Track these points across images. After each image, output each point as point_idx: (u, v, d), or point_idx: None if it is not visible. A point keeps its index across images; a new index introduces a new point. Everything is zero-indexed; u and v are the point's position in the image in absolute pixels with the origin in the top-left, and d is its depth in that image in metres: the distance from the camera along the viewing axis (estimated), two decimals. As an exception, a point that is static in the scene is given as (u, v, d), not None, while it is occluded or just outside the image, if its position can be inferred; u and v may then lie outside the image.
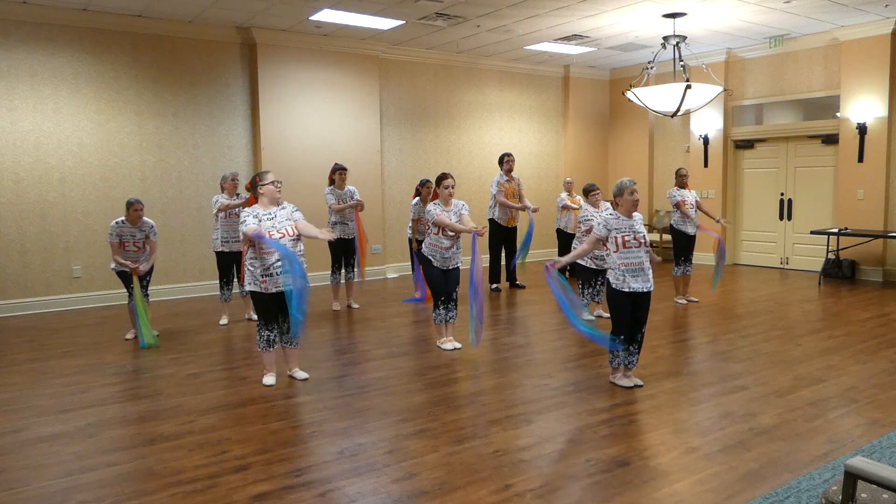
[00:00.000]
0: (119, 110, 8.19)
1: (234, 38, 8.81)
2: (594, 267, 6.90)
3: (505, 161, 8.50)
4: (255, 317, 7.11)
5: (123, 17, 8.00)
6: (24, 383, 5.12)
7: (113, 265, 6.19)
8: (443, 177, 5.78)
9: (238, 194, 6.93)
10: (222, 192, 6.98)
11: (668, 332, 6.59)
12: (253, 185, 4.93)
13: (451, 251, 5.75)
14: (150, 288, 6.54)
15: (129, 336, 6.44)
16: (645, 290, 4.64)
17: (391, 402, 4.59)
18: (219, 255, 7.00)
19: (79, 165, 7.98)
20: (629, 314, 4.66)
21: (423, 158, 10.64)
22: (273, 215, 4.80)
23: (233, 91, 8.93)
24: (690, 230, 7.74)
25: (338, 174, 7.50)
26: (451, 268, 5.81)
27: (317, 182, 9.30)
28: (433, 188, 7.21)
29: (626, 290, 4.60)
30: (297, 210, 4.96)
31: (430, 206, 5.72)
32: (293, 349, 5.07)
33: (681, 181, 7.78)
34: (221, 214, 6.84)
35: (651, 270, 4.70)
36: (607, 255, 4.74)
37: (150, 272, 6.44)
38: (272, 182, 4.83)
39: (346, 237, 7.57)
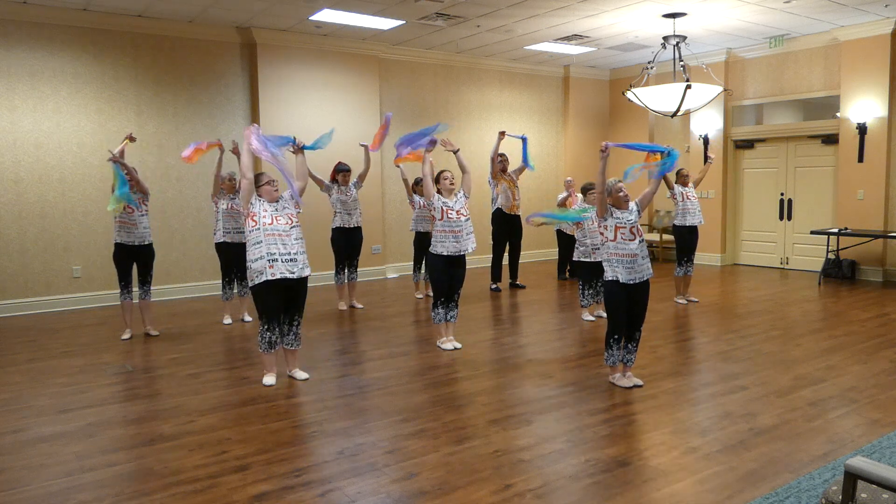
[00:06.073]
0: (119, 110, 8.19)
1: (234, 38, 8.81)
2: (589, 260, 6.85)
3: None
4: (248, 318, 7.11)
5: (123, 17, 8.00)
6: (24, 383, 5.12)
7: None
8: (441, 172, 5.82)
9: (236, 191, 6.85)
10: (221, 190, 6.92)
11: (668, 332, 6.59)
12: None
13: (461, 235, 5.64)
14: (151, 287, 6.55)
15: (126, 336, 6.43)
16: (639, 280, 4.63)
17: (391, 402, 4.59)
18: (220, 247, 6.90)
19: (79, 165, 7.98)
20: (624, 307, 4.66)
21: (423, 158, 10.63)
22: (276, 207, 5.03)
23: (233, 91, 8.92)
24: (689, 221, 7.83)
25: (341, 175, 7.51)
26: (461, 253, 5.67)
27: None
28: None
29: (621, 280, 4.62)
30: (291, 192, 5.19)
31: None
32: (292, 349, 5.07)
33: (684, 180, 7.97)
34: (223, 206, 6.80)
35: (647, 259, 4.69)
36: (602, 243, 4.73)
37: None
38: (267, 183, 5.14)
39: (349, 227, 7.55)
